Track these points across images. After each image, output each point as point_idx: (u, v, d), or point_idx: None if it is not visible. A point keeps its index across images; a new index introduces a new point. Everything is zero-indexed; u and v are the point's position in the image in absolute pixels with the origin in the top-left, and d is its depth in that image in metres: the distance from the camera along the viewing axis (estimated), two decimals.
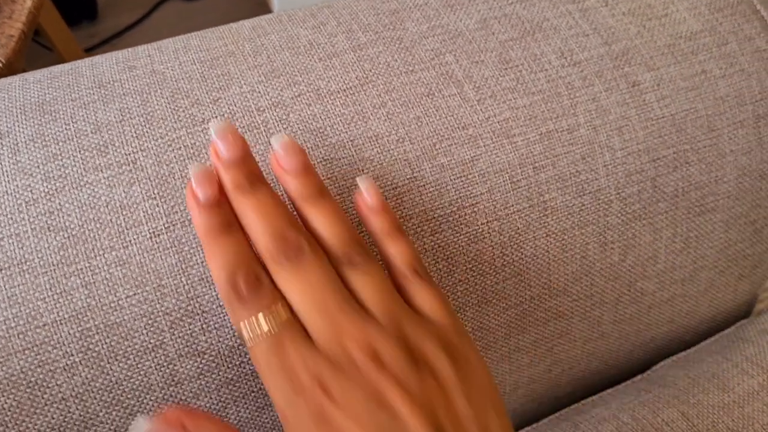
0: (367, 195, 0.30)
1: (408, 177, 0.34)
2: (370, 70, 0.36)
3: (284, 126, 0.34)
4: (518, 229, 0.35)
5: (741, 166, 0.39)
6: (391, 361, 0.26)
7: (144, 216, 0.31)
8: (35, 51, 1.28)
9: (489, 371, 0.29)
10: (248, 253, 0.28)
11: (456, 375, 0.26)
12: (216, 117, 0.34)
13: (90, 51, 1.35)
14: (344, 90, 0.35)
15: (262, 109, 0.34)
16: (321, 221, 0.29)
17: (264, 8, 1.43)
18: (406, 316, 0.28)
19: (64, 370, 0.30)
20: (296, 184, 0.29)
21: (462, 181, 0.34)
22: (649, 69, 0.37)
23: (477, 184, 0.34)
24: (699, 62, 0.38)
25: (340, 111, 0.34)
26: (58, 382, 0.30)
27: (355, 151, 0.34)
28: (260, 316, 0.27)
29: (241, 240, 0.28)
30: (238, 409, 0.34)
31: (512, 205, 0.35)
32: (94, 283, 0.30)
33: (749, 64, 0.39)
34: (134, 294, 0.31)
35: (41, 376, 0.30)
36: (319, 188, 0.29)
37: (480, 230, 0.35)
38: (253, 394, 0.34)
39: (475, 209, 0.34)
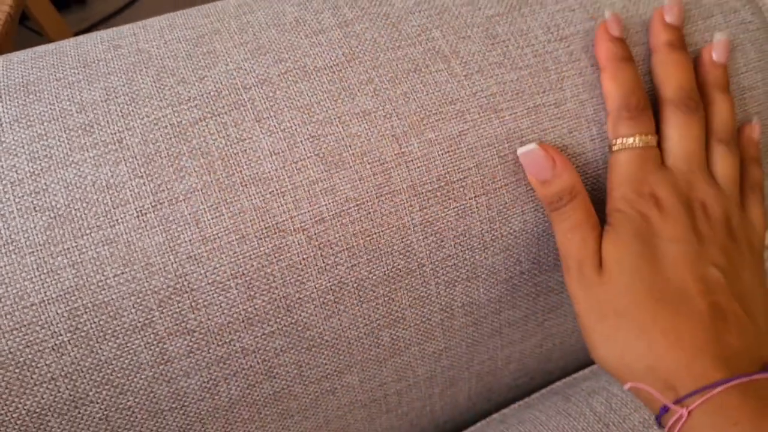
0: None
1: (396, 152, 0.34)
2: (357, 47, 0.36)
3: (271, 103, 0.34)
4: (506, 203, 0.35)
5: None
6: (713, 218, 0.33)
7: (131, 195, 0.31)
8: (25, 36, 1.27)
9: None
10: (643, 85, 0.35)
11: (752, 262, 0.33)
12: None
13: (80, 35, 1.34)
14: (331, 66, 0.35)
15: (248, 86, 0.34)
16: (717, 106, 0.36)
17: None
18: (737, 205, 0.35)
19: (53, 350, 0.30)
20: (713, 71, 0.36)
21: (450, 155, 0.34)
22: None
23: (465, 158, 0.34)
24: (686, 35, 0.38)
25: (327, 87, 0.34)
26: (47, 362, 0.30)
27: (342, 127, 0.34)
28: (636, 134, 0.33)
29: (638, 73, 0.35)
30: (229, 386, 0.34)
31: (500, 180, 0.35)
32: (81, 262, 0.30)
33: (734, 36, 0.39)
34: (122, 273, 0.31)
35: (30, 356, 0.30)
36: (724, 85, 0.36)
37: (468, 205, 0.35)
38: (243, 372, 0.34)
39: (464, 184, 0.34)
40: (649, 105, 0.34)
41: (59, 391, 0.31)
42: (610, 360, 0.31)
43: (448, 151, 0.34)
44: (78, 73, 0.34)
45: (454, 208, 0.34)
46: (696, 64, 0.37)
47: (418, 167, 0.34)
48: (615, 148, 0.34)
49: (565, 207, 0.33)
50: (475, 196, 0.35)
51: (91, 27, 1.36)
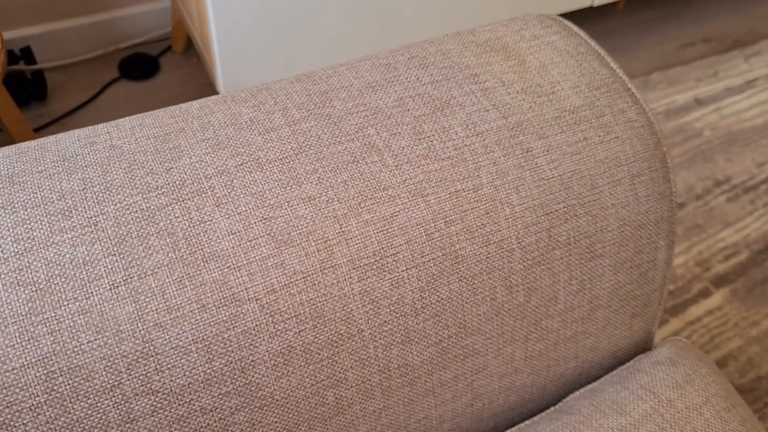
0: None
1: (337, 231, 0.39)
2: (303, 142, 0.42)
3: (229, 190, 0.39)
4: (434, 275, 0.41)
5: (622, 218, 0.46)
6: None
7: (104, 270, 0.36)
8: None
9: None
10: None
11: None
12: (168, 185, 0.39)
13: (39, 130, 1.38)
14: (281, 159, 0.41)
15: (209, 176, 0.39)
16: None
17: (210, 89, 1.49)
18: None
19: (30, 409, 0.34)
20: None
21: (384, 234, 0.40)
22: (540, 137, 0.44)
23: (397, 236, 0.40)
24: (581, 131, 0.45)
25: (277, 177, 0.40)
26: (24, 422, 0.34)
27: (290, 210, 0.39)
28: None
29: None
30: None
31: (428, 254, 0.41)
32: (59, 330, 0.34)
33: (623, 131, 0.46)
34: (95, 339, 0.35)
35: (9, 415, 0.34)
36: None
37: (401, 276, 0.40)
38: (201, 430, 0.38)
39: (396, 258, 0.40)
40: None
41: None
42: None
43: (382, 230, 0.40)
44: (58, 166, 0.39)
45: (388, 279, 0.40)
46: None
47: (357, 244, 0.39)
48: None
49: None
50: (407, 269, 0.40)
51: (50, 123, 1.41)
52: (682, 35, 1.73)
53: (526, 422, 0.50)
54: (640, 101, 0.48)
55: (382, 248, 0.40)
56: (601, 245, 0.46)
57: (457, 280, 0.42)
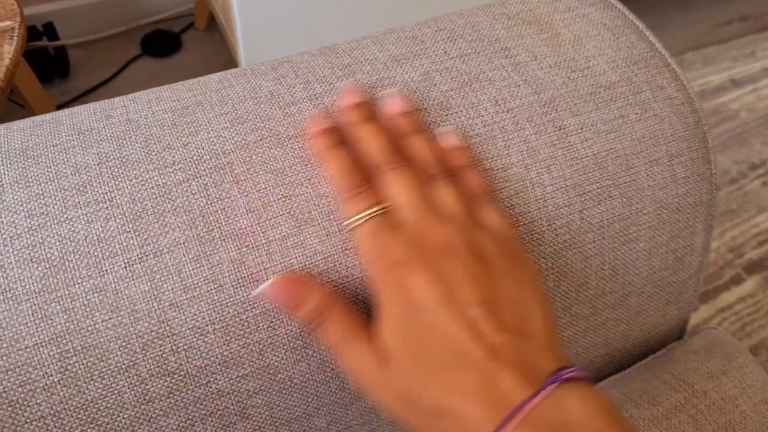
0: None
1: None
2: None
3: (248, 167, 0.38)
4: None
5: (658, 200, 0.43)
6: (456, 252, 0.34)
7: (119, 248, 0.35)
8: (8, 108, 1.30)
9: (537, 274, 0.37)
10: (358, 164, 0.37)
11: (510, 268, 0.35)
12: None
13: (62, 107, 1.38)
14: (302, 135, 0.39)
15: (227, 151, 0.38)
16: (415, 148, 0.39)
17: (232, 65, 1.48)
18: (473, 222, 0.36)
19: (44, 389, 0.33)
20: (398, 121, 0.40)
21: None
22: (574, 114, 0.42)
23: None
24: (617, 108, 0.43)
25: (298, 153, 0.38)
26: (38, 401, 0.33)
27: (311, 188, 0.38)
28: (364, 208, 0.36)
29: (350, 154, 0.38)
30: (204, 426, 0.37)
31: None
32: (72, 308, 0.33)
33: (661, 109, 0.44)
34: (109, 318, 0.34)
35: (22, 395, 0.33)
36: (413, 128, 0.39)
37: None
38: (218, 413, 0.37)
39: None
40: (368, 179, 0.37)
41: (48, 430, 0.33)
42: None
43: None
44: (73, 140, 0.38)
45: None
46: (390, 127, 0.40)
47: None
48: (349, 228, 0.36)
49: (326, 321, 0.35)
50: None
51: (72, 100, 1.41)
52: (719, 13, 1.68)
53: None
54: (681, 77, 0.45)
55: None
56: (636, 228, 0.43)
57: None
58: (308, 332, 0.36)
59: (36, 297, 0.33)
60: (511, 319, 0.33)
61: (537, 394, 0.30)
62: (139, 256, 0.35)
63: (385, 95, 0.40)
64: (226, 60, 1.51)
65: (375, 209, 0.36)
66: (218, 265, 0.35)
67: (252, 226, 0.36)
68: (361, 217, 0.36)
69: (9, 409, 0.33)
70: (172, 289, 0.35)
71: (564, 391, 0.30)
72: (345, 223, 0.37)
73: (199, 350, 0.35)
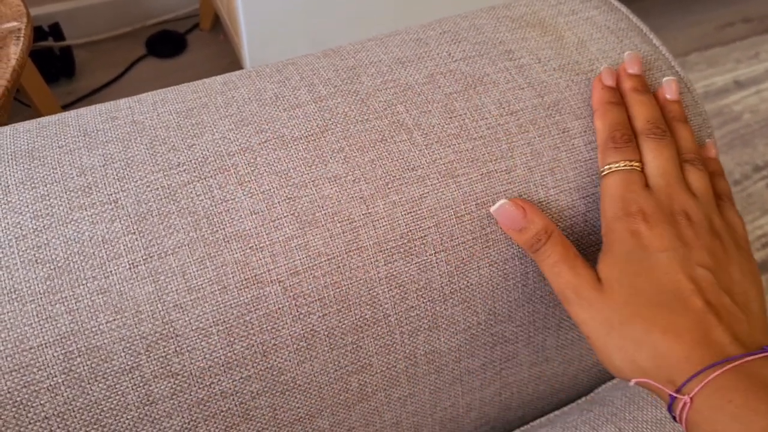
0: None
1: (363, 212, 0.38)
2: (329, 119, 0.40)
3: (252, 168, 0.38)
4: (463, 259, 0.39)
5: None
6: (697, 223, 0.37)
7: (124, 249, 0.35)
8: (14, 107, 1.31)
9: (759, 276, 0.39)
10: (627, 122, 0.41)
11: (739, 257, 0.37)
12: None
13: (67, 107, 1.39)
14: (306, 137, 0.39)
15: (232, 153, 0.38)
16: (679, 133, 0.42)
17: (237, 66, 1.48)
18: (713, 204, 0.39)
19: (48, 390, 0.33)
20: (670, 106, 0.43)
21: (412, 216, 0.38)
22: (577, 117, 0.42)
23: (425, 218, 0.38)
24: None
25: (302, 155, 0.39)
26: (42, 402, 0.33)
27: (315, 190, 0.38)
28: (621, 161, 0.39)
29: (624, 113, 0.42)
30: (208, 428, 0.37)
31: (457, 237, 0.39)
32: (77, 309, 0.33)
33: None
34: (114, 319, 0.34)
35: (26, 396, 0.33)
36: (681, 115, 0.43)
37: (429, 260, 0.39)
38: (222, 414, 0.37)
39: (424, 241, 0.38)
40: (633, 139, 0.40)
41: (51, 431, 0.33)
42: (624, 366, 0.35)
43: (411, 212, 0.38)
44: (78, 141, 0.38)
45: (416, 263, 0.38)
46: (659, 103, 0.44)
47: (383, 226, 0.38)
48: (604, 173, 0.40)
49: (545, 246, 0.38)
50: (435, 253, 0.39)
51: (77, 100, 1.41)
52: (722, 15, 1.67)
53: (556, 412, 0.48)
54: (684, 80, 0.45)
55: (410, 231, 0.38)
56: None
57: (487, 264, 0.40)
58: (529, 253, 0.39)
59: (41, 298, 0.33)
60: (735, 292, 0.36)
61: (749, 355, 0.32)
62: (144, 258, 0.35)
63: (665, 80, 0.44)
64: (231, 60, 1.51)
65: (632, 164, 0.39)
66: (222, 266, 0.35)
67: (256, 227, 0.36)
68: (618, 167, 0.39)
69: (13, 409, 0.33)
70: (177, 290, 0.35)
71: None
72: (601, 168, 0.40)
73: (203, 351, 0.35)
